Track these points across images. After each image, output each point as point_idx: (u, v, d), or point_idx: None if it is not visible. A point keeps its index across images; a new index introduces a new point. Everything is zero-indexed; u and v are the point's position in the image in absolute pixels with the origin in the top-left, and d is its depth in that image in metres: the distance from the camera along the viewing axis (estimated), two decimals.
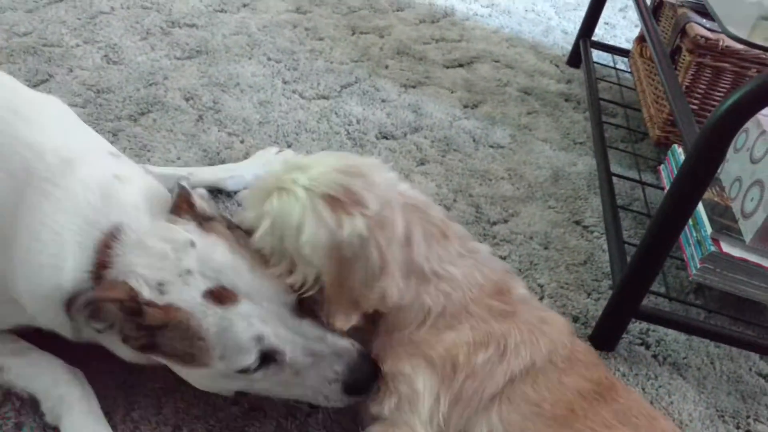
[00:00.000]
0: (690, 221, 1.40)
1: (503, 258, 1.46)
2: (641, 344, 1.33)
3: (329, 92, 1.89)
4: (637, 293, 1.23)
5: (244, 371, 0.85)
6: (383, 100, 1.91)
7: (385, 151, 1.70)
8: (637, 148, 1.92)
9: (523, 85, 2.18)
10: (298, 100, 1.82)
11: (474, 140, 1.84)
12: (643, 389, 1.24)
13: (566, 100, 2.13)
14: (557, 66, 2.35)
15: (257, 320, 0.84)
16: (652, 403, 1.21)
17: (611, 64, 2.31)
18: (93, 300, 0.81)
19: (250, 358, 0.84)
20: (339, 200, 0.87)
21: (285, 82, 1.90)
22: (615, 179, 1.68)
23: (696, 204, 1.14)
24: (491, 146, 1.83)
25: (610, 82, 2.21)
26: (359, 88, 1.94)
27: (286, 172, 0.92)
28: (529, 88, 2.16)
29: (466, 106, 1.99)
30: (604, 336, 1.30)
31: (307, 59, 2.04)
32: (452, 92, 2.05)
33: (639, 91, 1.98)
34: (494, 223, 1.56)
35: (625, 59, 2.36)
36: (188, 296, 0.82)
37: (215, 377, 0.87)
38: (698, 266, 1.34)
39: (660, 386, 1.25)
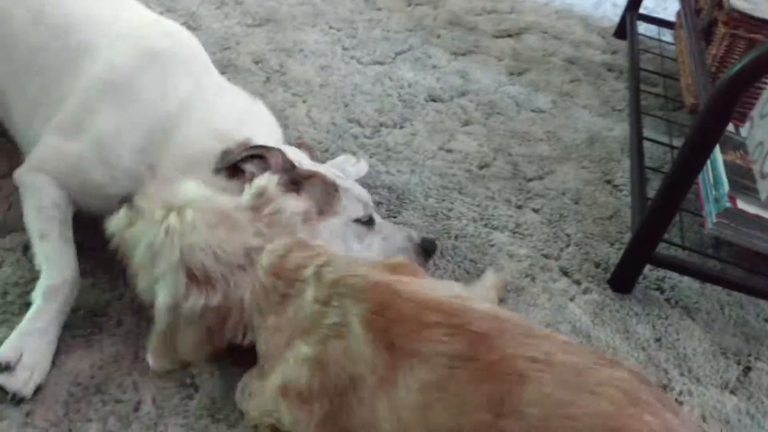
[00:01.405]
0: (711, 180, 1.53)
1: (535, 211, 1.61)
2: (656, 289, 1.47)
3: (384, 58, 2.06)
4: (652, 240, 1.37)
5: (357, 221, 1.22)
6: (434, 66, 2.07)
7: (433, 112, 1.87)
8: (672, 116, 2.02)
9: (569, 55, 2.29)
10: (356, 66, 2.00)
11: (517, 105, 1.98)
12: (653, 326, 1.38)
13: (609, 70, 2.24)
14: (604, 38, 2.45)
15: (364, 193, 1.28)
16: (659, 339, 1.36)
17: (658, 37, 2.40)
18: (259, 147, 1.14)
19: (363, 210, 1.23)
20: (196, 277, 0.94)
21: (344, 49, 2.08)
22: (648, 144, 1.80)
23: (705, 159, 1.27)
24: (533, 110, 1.97)
25: (654, 54, 2.30)
26: (412, 55, 2.10)
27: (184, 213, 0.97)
28: (574, 58, 2.28)
29: (511, 74, 2.13)
30: (621, 279, 1.44)
31: (365, 28, 2.21)
32: (499, 60, 2.19)
33: (679, 62, 2.07)
34: (530, 180, 1.71)
35: (673, 32, 2.44)
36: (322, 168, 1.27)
37: (336, 230, 1.19)
38: (714, 221, 1.46)
39: (669, 325, 1.39)
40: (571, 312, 1.37)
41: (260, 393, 0.99)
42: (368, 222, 1.26)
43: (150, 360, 1.01)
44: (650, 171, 1.69)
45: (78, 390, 1.04)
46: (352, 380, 0.86)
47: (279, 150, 1.16)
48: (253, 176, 1.09)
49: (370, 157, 1.66)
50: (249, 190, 1.03)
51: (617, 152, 1.86)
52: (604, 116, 2.00)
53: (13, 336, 1.04)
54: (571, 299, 1.40)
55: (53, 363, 1.07)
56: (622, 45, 2.41)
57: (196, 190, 1.00)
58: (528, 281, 1.42)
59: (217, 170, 1.16)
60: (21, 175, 1.23)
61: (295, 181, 1.15)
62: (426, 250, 1.32)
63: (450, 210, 1.56)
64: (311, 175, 1.19)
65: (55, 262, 1.13)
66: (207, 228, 0.94)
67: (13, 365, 1.01)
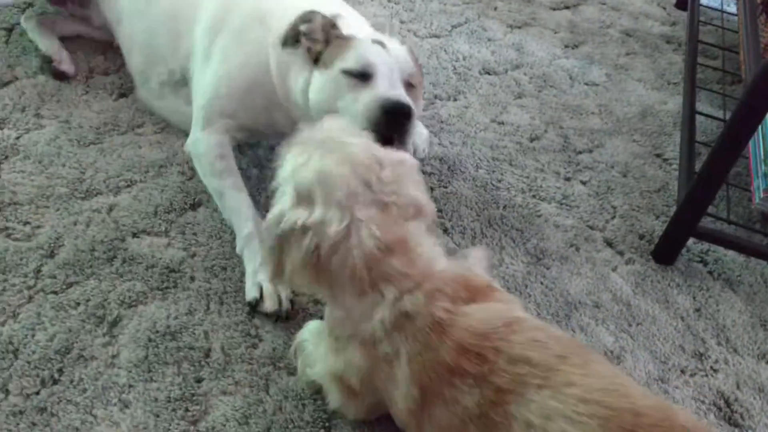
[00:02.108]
0: (762, 155, 1.54)
1: (583, 183, 1.66)
2: (700, 261, 1.51)
3: (440, 31, 2.12)
4: (697, 212, 1.41)
5: (348, 72, 1.26)
6: (489, 39, 2.11)
7: (486, 85, 1.92)
8: (729, 90, 2.01)
9: (626, 27, 2.29)
10: (413, 39, 2.06)
11: (570, 78, 2.01)
12: (694, 297, 1.43)
13: (667, 42, 2.23)
14: (664, 8, 2.43)
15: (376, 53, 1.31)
16: (699, 310, 1.40)
17: (721, 8, 2.36)
18: (307, 12, 1.33)
19: (355, 64, 1.27)
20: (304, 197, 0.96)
21: (402, 22, 2.14)
22: (702, 118, 1.81)
23: (750, 134, 1.30)
24: (586, 84, 1.99)
25: (715, 26, 2.27)
26: (468, 28, 2.15)
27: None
28: (632, 30, 2.28)
29: (567, 46, 2.15)
30: (664, 251, 1.49)
31: (422, 1, 2.26)
32: (555, 33, 2.21)
33: (740, 34, 2.05)
34: (579, 152, 1.75)
35: (737, 2, 2.40)
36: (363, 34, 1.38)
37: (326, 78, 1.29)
38: (762, 196, 1.48)
39: (710, 297, 1.44)
40: (613, 282, 1.43)
41: (315, 362, 1.08)
42: (362, 77, 1.27)
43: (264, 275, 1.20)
44: (701, 145, 1.70)
45: (156, 336, 1.17)
46: (391, 399, 0.97)
47: (321, 14, 1.34)
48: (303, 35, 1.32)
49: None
50: None
51: (669, 126, 1.88)
52: (659, 90, 2.01)
53: (248, 280, 1.27)
54: (614, 269, 1.46)
55: (136, 312, 1.21)
56: (683, 16, 2.39)
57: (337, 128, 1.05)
58: (572, 251, 1.48)
59: (284, 43, 1.35)
60: (187, 145, 1.46)
61: (327, 39, 1.33)
62: (387, 112, 1.22)
63: (499, 181, 1.62)
64: (339, 36, 1.34)
65: (238, 214, 1.35)
66: (331, 162, 0.96)
67: (261, 298, 1.23)
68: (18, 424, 1.03)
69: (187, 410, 1.09)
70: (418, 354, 0.91)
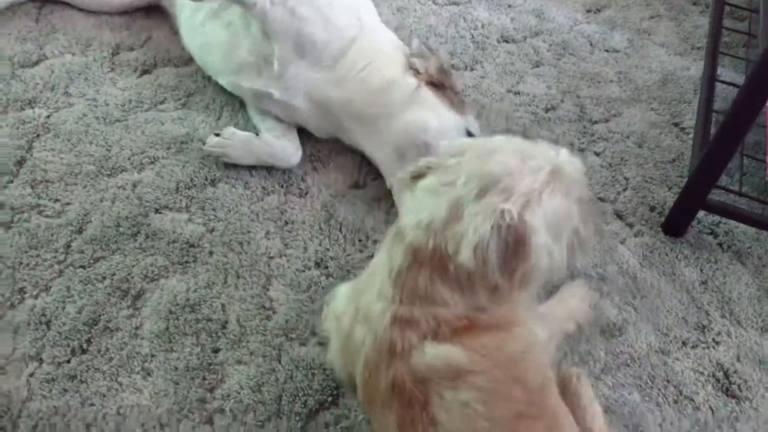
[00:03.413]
0: None
1: (597, 154, 1.67)
2: (710, 233, 1.52)
3: None
4: (707, 183, 1.41)
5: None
6: (509, 6, 2.09)
7: (504, 54, 1.92)
8: (755, 55, 1.97)
9: None
10: (431, 7, 2.06)
11: (591, 44, 1.99)
12: (701, 269, 1.45)
13: (694, 4, 2.18)
14: None
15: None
16: (705, 282, 1.42)
17: None
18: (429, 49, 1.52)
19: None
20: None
21: None
22: (723, 86, 1.78)
23: (763, 102, 1.28)
24: (606, 50, 1.97)
25: None
26: None
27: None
28: None
29: (588, 11, 2.12)
30: (674, 222, 1.50)
31: None
32: None
33: None
34: (595, 122, 1.76)
35: None
36: None
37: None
38: None
39: (717, 269, 1.45)
40: (620, 254, 1.45)
41: (343, 318, 1.06)
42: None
43: None
44: (719, 114, 1.69)
45: (176, 309, 1.26)
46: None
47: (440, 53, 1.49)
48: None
49: None
50: None
51: (690, 94, 1.86)
52: (682, 55, 1.98)
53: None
54: (622, 242, 1.48)
55: (158, 285, 1.29)
56: None
57: None
58: None
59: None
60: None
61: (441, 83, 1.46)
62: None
63: None
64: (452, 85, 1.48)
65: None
66: None
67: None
68: (51, 390, 1.13)
69: (204, 378, 1.17)
70: (370, 364, 0.95)
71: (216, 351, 1.21)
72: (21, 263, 1.29)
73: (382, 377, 0.93)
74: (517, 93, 1.81)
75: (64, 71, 1.67)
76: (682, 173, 1.64)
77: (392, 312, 0.93)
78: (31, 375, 1.14)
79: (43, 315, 1.22)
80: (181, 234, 1.38)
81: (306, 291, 1.31)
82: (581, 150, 1.68)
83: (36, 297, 1.25)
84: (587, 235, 1.00)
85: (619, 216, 1.54)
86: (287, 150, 1.49)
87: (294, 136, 1.52)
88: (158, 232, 1.37)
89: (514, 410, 0.90)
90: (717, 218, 1.54)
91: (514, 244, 0.89)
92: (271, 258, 1.36)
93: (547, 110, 1.77)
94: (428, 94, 1.43)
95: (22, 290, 1.25)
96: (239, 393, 1.16)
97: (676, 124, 1.77)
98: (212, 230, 1.40)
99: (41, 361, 1.16)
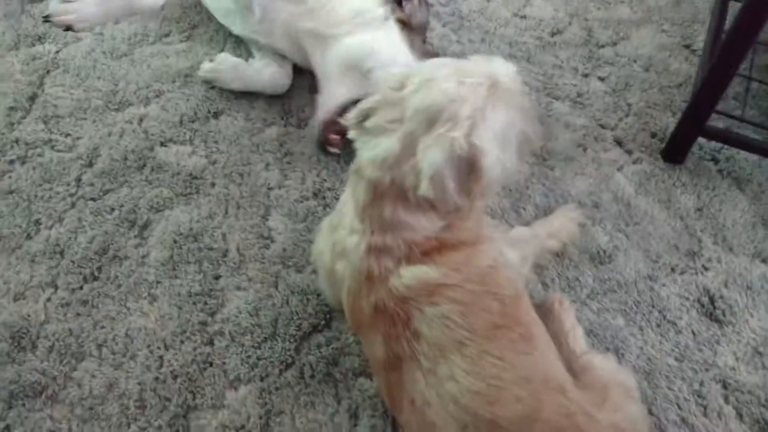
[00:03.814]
0: None
1: (601, 79, 1.65)
2: (711, 160, 1.51)
3: None
4: (706, 108, 1.38)
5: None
6: None
7: None
8: None
9: None
10: None
11: None
12: (698, 196, 1.45)
13: None
14: None
15: None
16: (701, 209, 1.43)
17: None
18: None
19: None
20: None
21: None
22: (737, 4, 1.72)
23: (764, 20, 1.24)
24: None
25: None
26: None
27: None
28: None
29: None
30: (674, 149, 1.49)
31: None
32: None
33: None
34: (602, 46, 1.72)
35: None
36: None
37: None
38: None
39: (715, 195, 1.45)
40: (617, 182, 1.46)
41: (324, 254, 1.13)
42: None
43: None
44: None
45: (180, 238, 1.33)
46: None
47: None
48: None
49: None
50: None
51: (704, 13, 1.80)
52: None
53: None
54: (619, 169, 1.49)
55: (163, 216, 1.36)
56: None
57: None
58: (579, 151, 1.51)
59: None
60: None
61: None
62: None
63: None
64: None
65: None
66: None
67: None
68: (66, 314, 1.22)
69: (206, 303, 1.25)
70: (352, 293, 1.01)
71: (217, 278, 1.28)
72: (36, 196, 1.37)
73: (365, 303, 1.00)
74: (524, 17, 1.78)
75: None
76: (688, 98, 1.61)
77: (366, 243, 0.99)
78: (48, 300, 1.24)
79: (57, 245, 1.30)
80: (184, 166, 1.43)
81: (303, 221, 1.37)
82: (585, 75, 1.66)
83: (50, 228, 1.33)
84: (533, 133, 1.05)
85: (619, 143, 1.54)
86: (276, 78, 1.52)
87: (286, 64, 1.54)
88: (163, 164, 1.43)
89: (490, 321, 0.96)
90: (719, 145, 1.52)
91: (467, 168, 0.94)
92: (270, 189, 1.41)
93: (552, 34, 1.75)
94: (393, 28, 1.42)
95: (37, 222, 1.33)
96: (238, 317, 1.23)
97: (686, 46, 1.73)
98: (214, 162, 1.45)
99: (56, 287, 1.25)
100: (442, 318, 0.95)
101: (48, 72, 1.58)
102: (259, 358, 1.19)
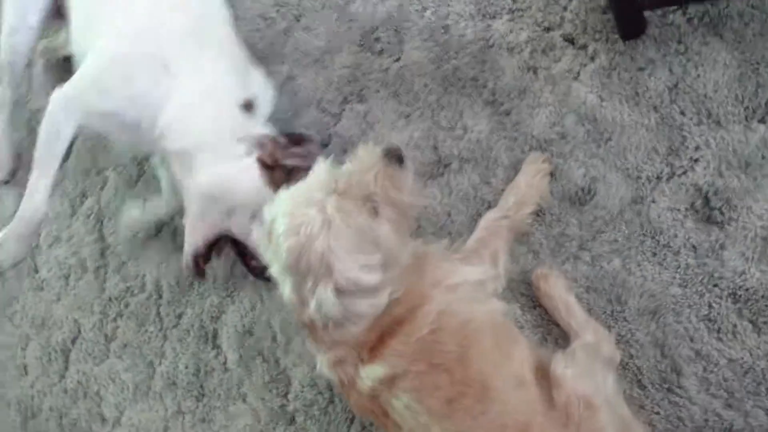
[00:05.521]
0: None
1: None
2: (676, 10, 1.27)
3: None
4: None
5: None
6: None
7: None
8: None
9: None
10: None
11: None
12: (671, 70, 1.27)
13: None
14: None
15: None
16: (676, 85, 1.25)
17: None
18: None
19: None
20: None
21: None
22: None
23: None
24: None
25: None
26: None
27: None
28: None
29: None
30: (627, 20, 1.28)
31: None
32: None
33: None
34: None
35: None
36: None
37: None
38: None
39: (688, 59, 1.26)
40: (576, 95, 1.33)
41: None
42: None
43: None
44: None
45: (240, 336, 1.58)
46: None
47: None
48: None
49: None
50: None
51: None
52: None
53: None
54: (576, 77, 1.35)
55: (223, 323, 1.62)
56: None
57: None
58: (530, 77, 1.39)
59: None
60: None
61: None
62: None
63: (446, 17, 1.51)
64: None
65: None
66: None
67: None
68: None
69: (278, 388, 1.51)
70: (345, 398, 1.19)
71: (277, 361, 1.52)
72: (140, 341, 1.72)
73: (354, 405, 1.17)
74: None
75: None
76: None
77: (326, 360, 1.15)
78: (182, 426, 1.61)
79: (169, 378, 1.65)
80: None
81: None
82: None
83: (160, 365, 1.68)
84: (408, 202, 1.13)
85: (570, 40, 1.37)
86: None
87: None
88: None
89: (443, 397, 1.06)
90: None
91: (347, 300, 1.06)
92: None
93: None
94: (254, 167, 1.41)
95: (150, 363, 1.69)
96: (303, 391, 1.47)
97: None
98: None
99: (183, 414, 1.62)
100: (406, 408, 1.07)
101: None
102: (329, 423, 1.44)
